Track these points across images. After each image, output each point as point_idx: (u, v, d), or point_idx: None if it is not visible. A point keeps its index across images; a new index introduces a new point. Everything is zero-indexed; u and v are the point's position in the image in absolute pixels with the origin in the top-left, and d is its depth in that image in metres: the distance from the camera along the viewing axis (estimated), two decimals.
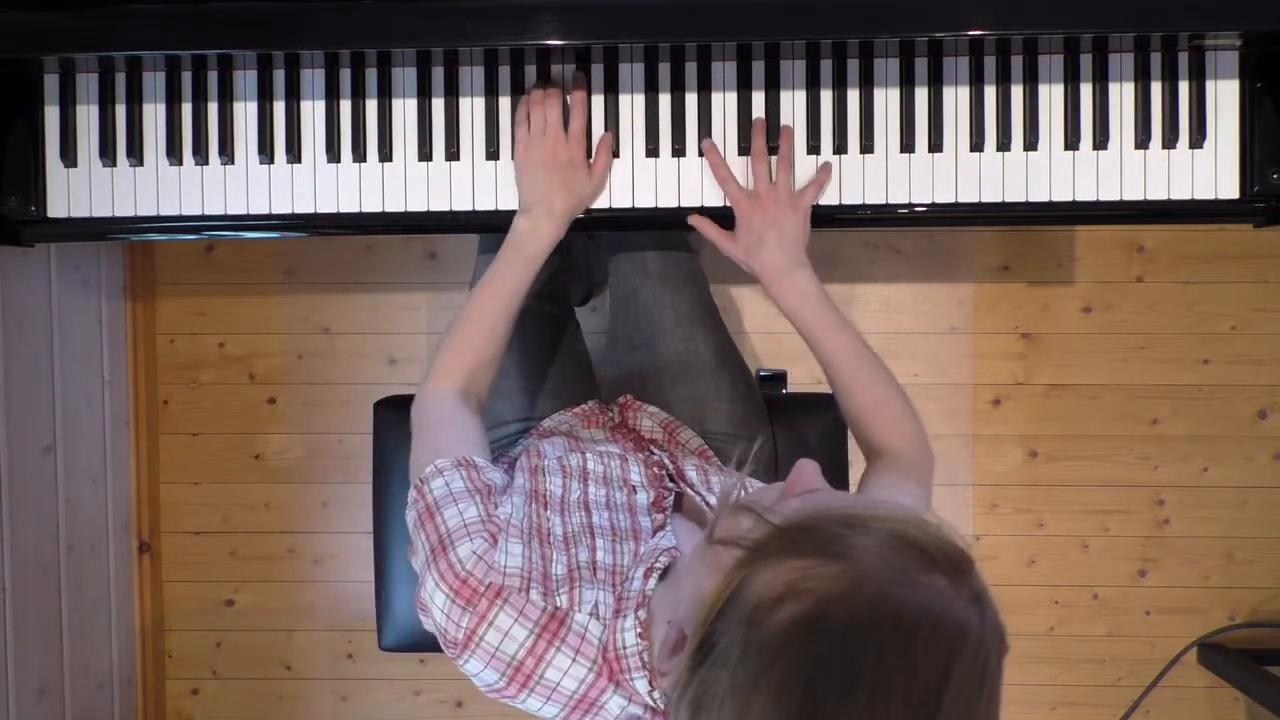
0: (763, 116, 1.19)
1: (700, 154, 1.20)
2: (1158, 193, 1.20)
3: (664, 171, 1.21)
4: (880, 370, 1.12)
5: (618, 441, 1.11)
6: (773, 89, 1.20)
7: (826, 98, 1.20)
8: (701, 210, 1.20)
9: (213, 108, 1.21)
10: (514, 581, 0.83)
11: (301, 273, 2.07)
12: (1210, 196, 1.19)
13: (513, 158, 1.18)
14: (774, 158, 1.17)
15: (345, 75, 1.21)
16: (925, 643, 0.56)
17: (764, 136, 1.17)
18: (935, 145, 1.20)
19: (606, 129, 1.20)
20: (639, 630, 0.81)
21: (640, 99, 1.21)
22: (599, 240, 1.62)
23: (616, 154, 1.21)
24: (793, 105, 1.20)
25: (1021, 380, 2.06)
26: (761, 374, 1.53)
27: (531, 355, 1.32)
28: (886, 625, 0.57)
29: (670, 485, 1.01)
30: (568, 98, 1.18)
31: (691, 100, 1.20)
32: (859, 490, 1.08)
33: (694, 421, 1.24)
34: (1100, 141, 1.19)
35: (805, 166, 1.20)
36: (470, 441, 0.98)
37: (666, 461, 1.06)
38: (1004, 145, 1.19)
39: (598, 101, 1.21)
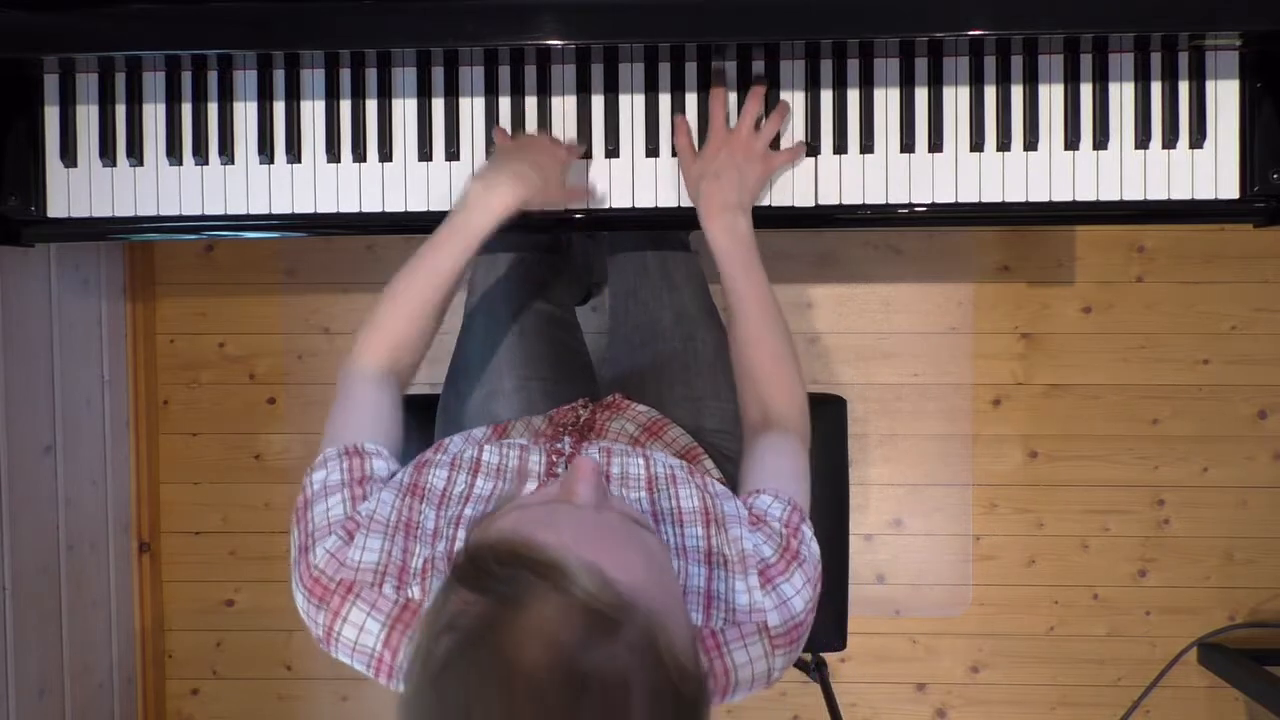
0: (764, 85, 1.19)
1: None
2: (1158, 193, 1.20)
3: (664, 171, 1.21)
4: (785, 333, 1.11)
5: (543, 438, 1.09)
6: (773, 89, 1.20)
7: (826, 98, 1.20)
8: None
9: (213, 108, 1.21)
10: (366, 576, 0.84)
11: (301, 273, 2.07)
12: (1210, 196, 1.19)
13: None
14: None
15: (345, 75, 1.21)
16: (566, 700, 0.55)
17: (763, 92, 1.18)
18: (935, 145, 1.20)
19: (607, 129, 1.20)
20: None
21: (640, 99, 1.21)
22: (599, 240, 1.62)
23: (616, 154, 1.21)
24: (792, 105, 1.20)
25: (1021, 380, 2.06)
26: None
27: (531, 355, 1.32)
28: (513, 680, 0.56)
29: (558, 474, 0.98)
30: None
31: (692, 100, 1.20)
32: (745, 458, 1.05)
33: (692, 420, 1.24)
34: (1100, 141, 1.19)
35: (804, 168, 1.20)
36: (371, 426, 0.97)
37: (568, 449, 1.02)
38: (1004, 145, 1.19)
39: (598, 101, 1.21)
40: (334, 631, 0.84)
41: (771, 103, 1.19)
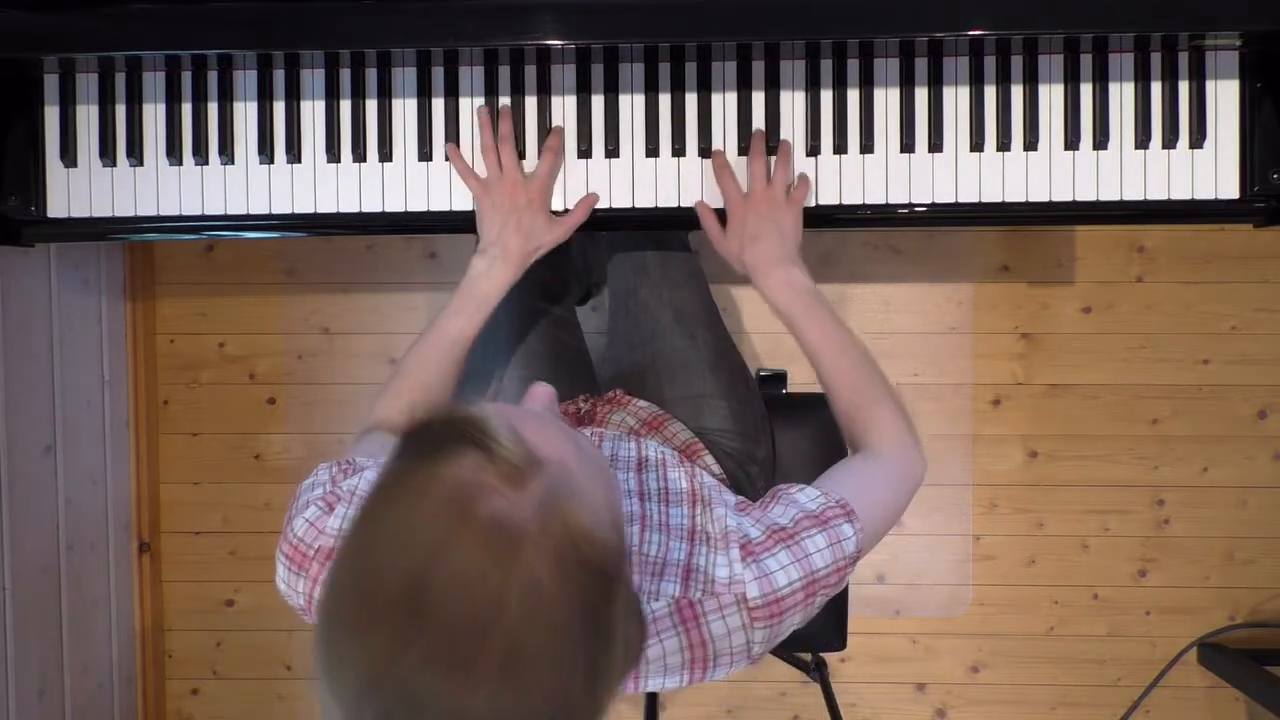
0: (762, 129, 1.19)
1: (700, 154, 1.20)
2: (1158, 193, 1.20)
3: (664, 171, 1.21)
4: (869, 369, 1.09)
5: None
6: (773, 89, 1.20)
7: (826, 98, 1.20)
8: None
9: (213, 108, 1.21)
10: None
11: (301, 273, 2.07)
12: (1210, 196, 1.19)
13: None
14: (772, 158, 1.17)
15: (345, 75, 1.21)
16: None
17: (763, 142, 1.18)
18: (935, 145, 1.20)
19: (607, 129, 1.20)
20: None
21: (640, 99, 1.21)
22: (599, 240, 1.62)
23: (616, 154, 1.21)
24: (792, 105, 1.20)
25: (1021, 380, 2.06)
26: (762, 374, 1.53)
27: (531, 355, 1.32)
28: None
29: None
30: (549, 120, 1.18)
31: (691, 100, 1.20)
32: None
33: (693, 418, 1.24)
34: (1100, 141, 1.19)
35: (805, 168, 1.20)
36: (375, 452, 0.99)
37: None
38: (1004, 145, 1.19)
39: (598, 101, 1.21)
40: (313, 598, 0.85)
41: (770, 110, 1.19)
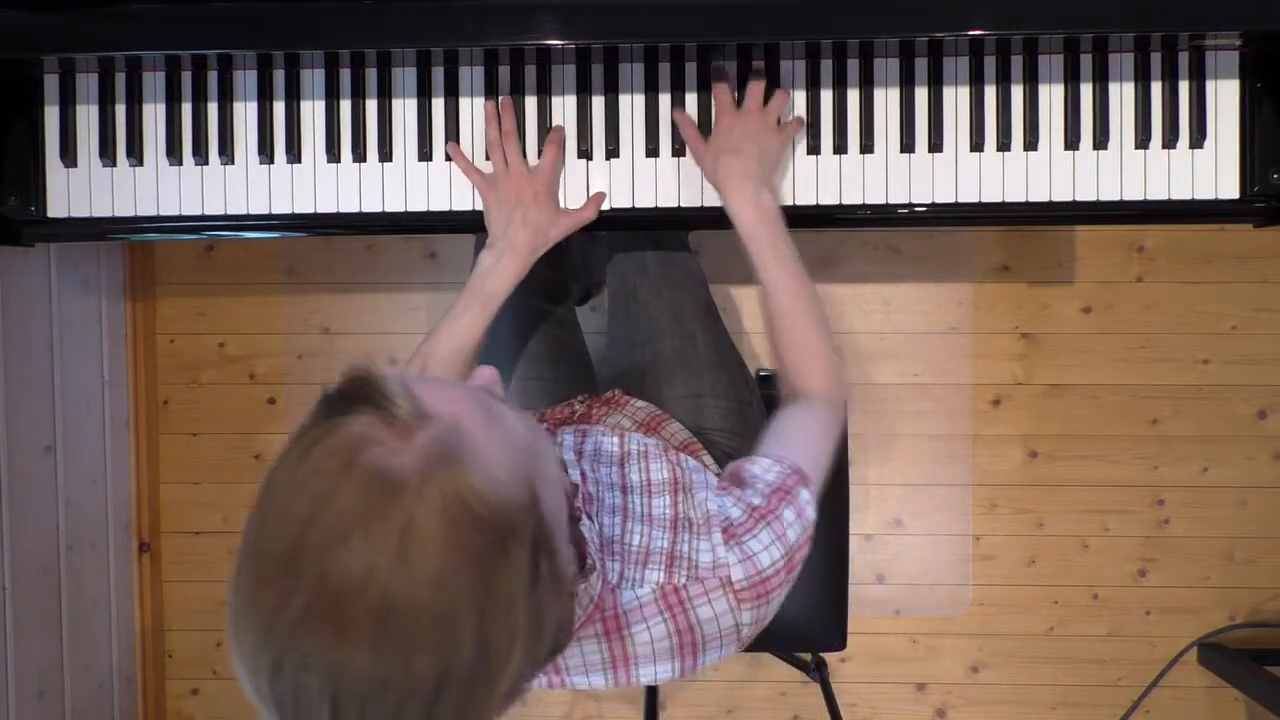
0: (761, 69, 1.19)
1: None
2: (1158, 193, 1.20)
3: (664, 171, 1.21)
4: (813, 306, 1.10)
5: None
6: (772, 88, 1.19)
7: (826, 98, 1.20)
8: (701, 210, 1.20)
9: (213, 108, 1.21)
10: None
11: (301, 273, 2.07)
12: (1210, 196, 1.19)
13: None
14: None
15: (345, 75, 1.21)
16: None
17: (763, 83, 1.17)
18: (935, 145, 1.20)
19: (607, 129, 1.20)
20: None
21: (640, 99, 1.21)
22: (598, 240, 1.62)
23: (616, 154, 1.21)
24: (793, 105, 1.20)
25: (1021, 380, 2.06)
26: (762, 373, 1.53)
27: (531, 355, 1.32)
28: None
29: None
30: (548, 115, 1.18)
31: (692, 100, 1.20)
32: (768, 427, 1.06)
33: (692, 418, 1.24)
34: (1100, 141, 1.19)
35: (805, 168, 1.20)
36: None
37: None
38: (1004, 145, 1.19)
39: (598, 101, 1.21)
40: None
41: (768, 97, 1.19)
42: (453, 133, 1.20)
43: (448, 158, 1.21)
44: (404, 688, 0.56)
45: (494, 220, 1.16)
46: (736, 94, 1.17)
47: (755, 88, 1.16)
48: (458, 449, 0.60)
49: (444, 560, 0.57)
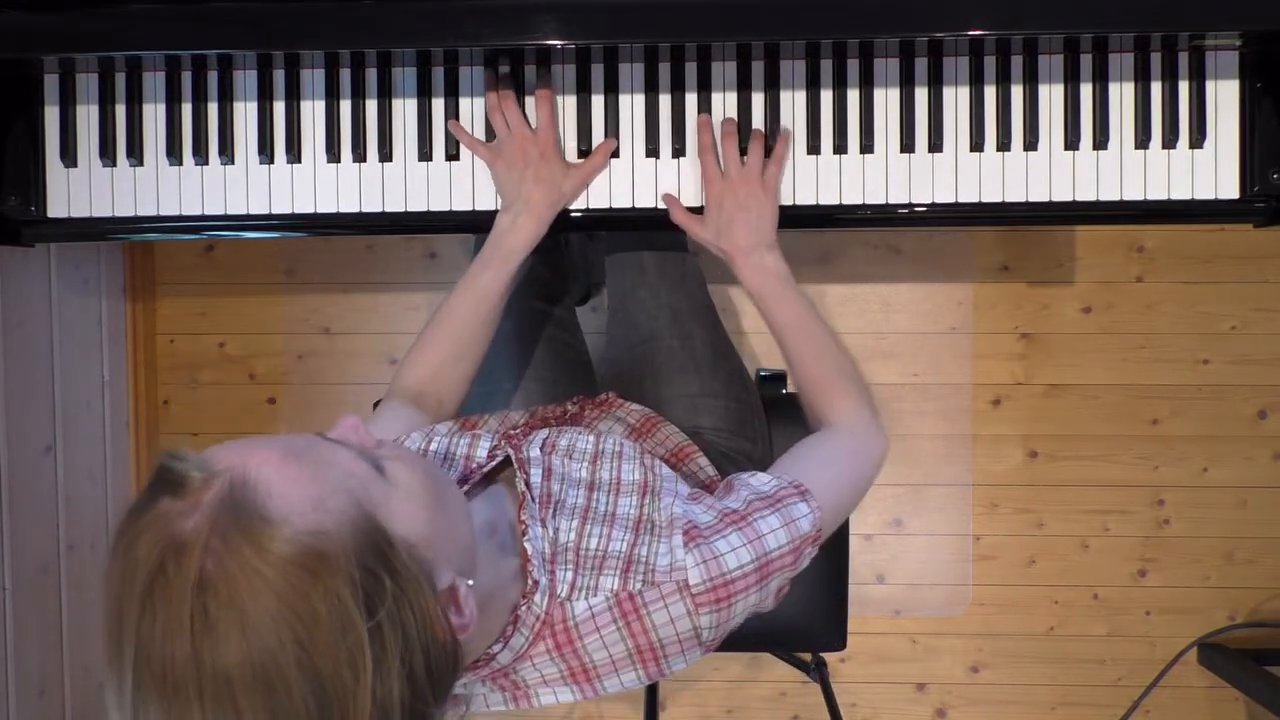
0: (734, 116, 1.19)
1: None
2: (1158, 193, 1.20)
3: (664, 172, 1.21)
4: (830, 349, 1.10)
5: (518, 430, 1.09)
6: (772, 89, 1.20)
7: (826, 98, 1.20)
8: (701, 210, 1.20)
9: (213, 108, 1.21)
10: None
11: (301, 273, 2.07)
12: (1210, 196, 1.19)
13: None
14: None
15: (345, 75, 1.21)
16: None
17: (735, 126, 1.18)
18: (935, 145, 1.20)
19: (607, 129, 1.20)
20: None
21: (640, 99, 1.21)
22: (597, 241, 1.62)
23: (616, 154, 1.21)
24: (793, 105, 1.20)
25: (1021, 380, 2.06)
26: (761, 374, 1.54)
27: (531, 355, 1.32)
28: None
29: (498, 454, 0.98)
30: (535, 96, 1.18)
31: (691, 100, 1.20)
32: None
33: (690, 419, 1.24)
34: (1100, 141, 1.19)
35: (805, 167, 1.20)
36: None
37: (519, 435, 1.03)
38: (1004, 145, 1.19)
39: (598, 101, 1.21)
40: None
41: (770, 110, 1.19)
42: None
43: (448, 158, 1.21)
44: None
45: (505, 185, 1.17)
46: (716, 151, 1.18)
47: (730, 150, 1.16)
48: (244, 495, 0.61)
49: (245, 601, 0.58)
